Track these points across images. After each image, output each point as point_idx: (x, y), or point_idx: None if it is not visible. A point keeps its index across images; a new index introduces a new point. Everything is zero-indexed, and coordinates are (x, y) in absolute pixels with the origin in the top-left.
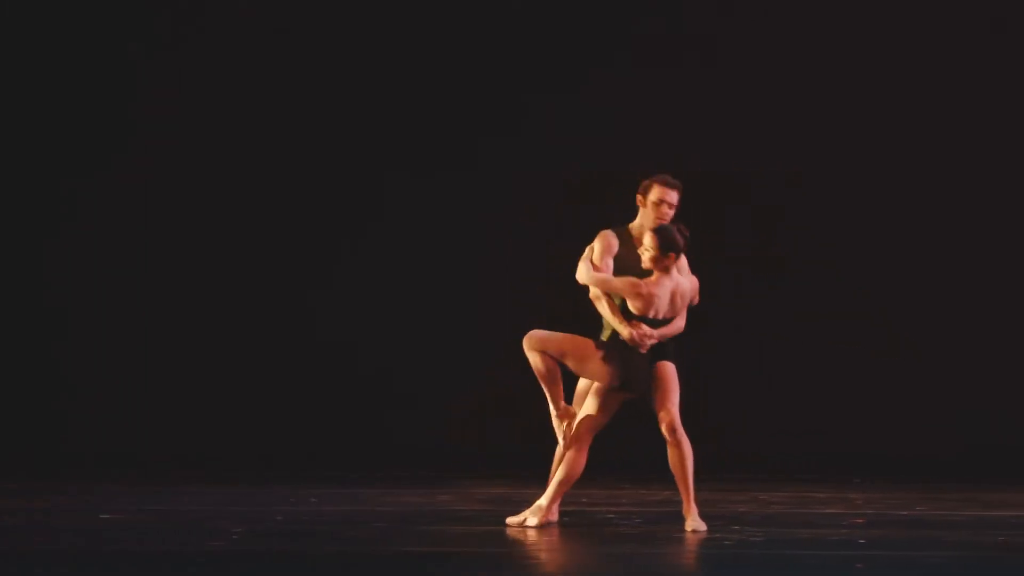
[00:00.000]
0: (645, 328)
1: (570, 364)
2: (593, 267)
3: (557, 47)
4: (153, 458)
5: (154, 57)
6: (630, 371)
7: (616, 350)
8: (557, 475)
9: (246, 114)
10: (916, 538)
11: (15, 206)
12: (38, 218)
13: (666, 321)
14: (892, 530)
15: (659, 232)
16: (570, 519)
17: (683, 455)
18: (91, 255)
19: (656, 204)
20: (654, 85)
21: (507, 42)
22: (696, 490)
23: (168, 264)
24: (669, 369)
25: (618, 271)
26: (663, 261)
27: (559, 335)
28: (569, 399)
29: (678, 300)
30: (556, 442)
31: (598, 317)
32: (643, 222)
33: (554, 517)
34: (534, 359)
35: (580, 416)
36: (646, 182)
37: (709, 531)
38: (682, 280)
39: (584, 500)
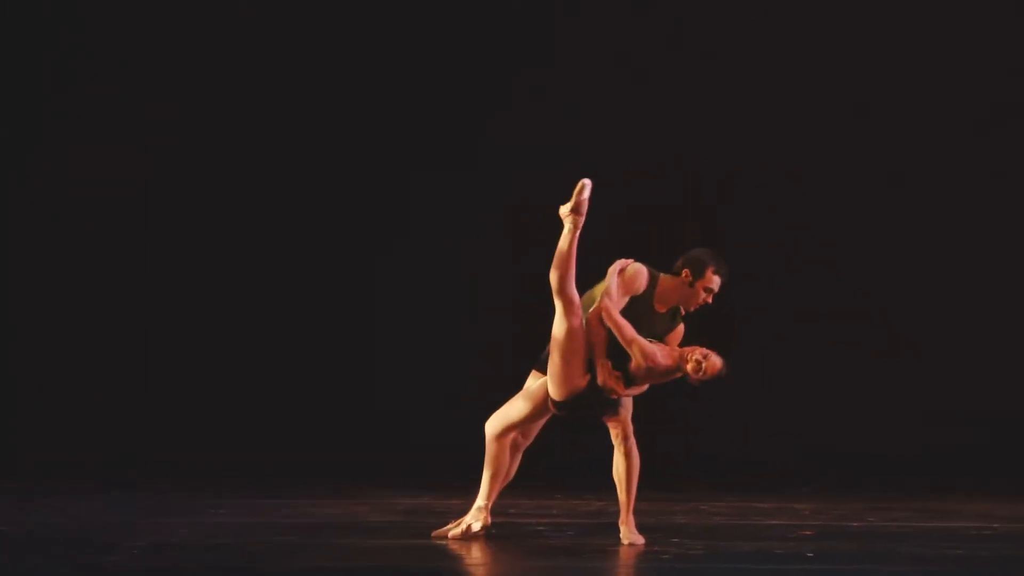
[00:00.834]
0: (623, 388)
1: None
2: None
3: (550, 48)
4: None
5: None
6: (580, 407)
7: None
8: (485, 472)
9: (245, 113)
10: (866, 551)
11: None
12: None
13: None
14: (841, 542)
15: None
16: (497, 531)
17: (631, 465)
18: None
19: (704, 290)
20: (656, 84)
21: (501, 41)
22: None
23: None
24: None
25: (624, 312)
26: (684, 369)
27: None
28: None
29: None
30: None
31: None
32: (680, 297)
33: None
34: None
35: (509, 410)
36: (700, 260)
37: (646, 543)
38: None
39: (512, 511)
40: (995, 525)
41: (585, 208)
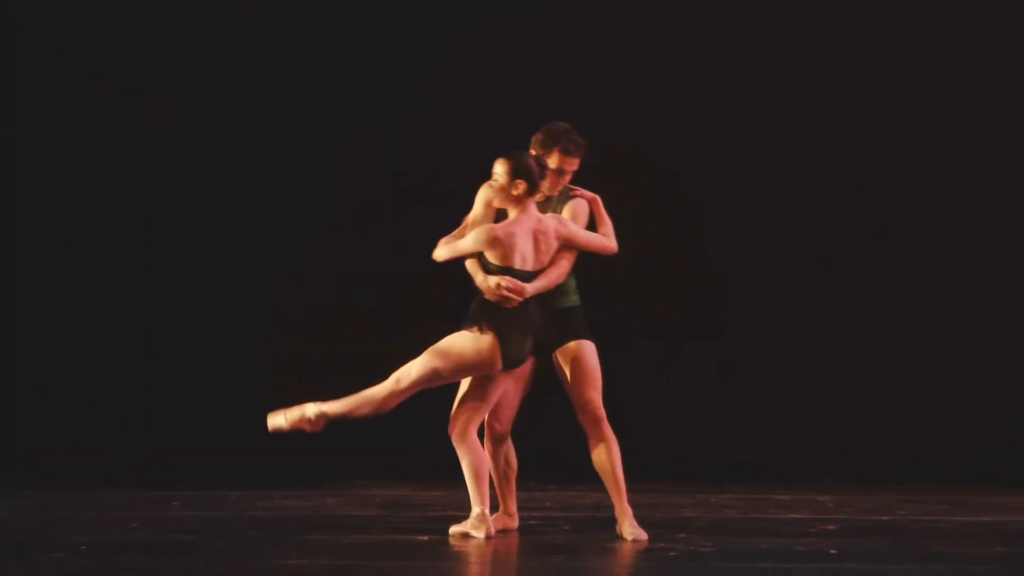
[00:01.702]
0: (510, 280)
1: (447, 373)
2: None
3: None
4: None
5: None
6: (506, 343)
7: (486, 320)
8: (467, 478)
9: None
10: (898, 548)
11: None
12: None
13: (536, 273)
14: (869, 539)
15: (509, 157)
16: None
17: (610, 451)
18: None
19: (554, 172)
20: (654, 80)
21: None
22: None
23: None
24: (586, 349)
25: None
26: (513, 192)
27: (420, 359)
28: None
29: (543, 244)
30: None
31: None
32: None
33: (513, 522)
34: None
35: (458, 407)
36: (544, 140)
37: (651, 539)
38: (546, 219)
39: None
40: None
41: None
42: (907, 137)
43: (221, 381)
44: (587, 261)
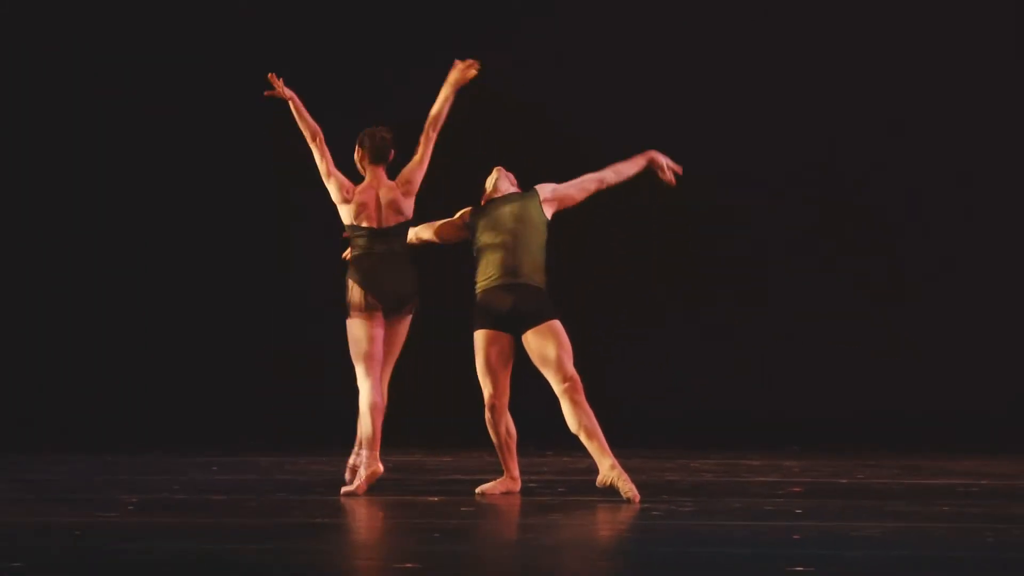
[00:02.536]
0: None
1: (356, 350)
2: None
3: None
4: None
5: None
6: (369, 284)
7: (349, 275)
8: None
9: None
10: (855, 507)
11: None
12: None
13: (385, 231)
14: (830, 499)
15: (363, 132)
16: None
17: (591, 416)
18: None
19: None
20: (651, 80)
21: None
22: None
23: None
24: (560, 326)
25: None
26: (361, 163)
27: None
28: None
29: (383, 208)
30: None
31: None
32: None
33: (516, 485)
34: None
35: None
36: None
37: (638, 501)
38: (386, 187)
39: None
40: (982, 481)
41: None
42: (908, 136)
43: (254, 363)
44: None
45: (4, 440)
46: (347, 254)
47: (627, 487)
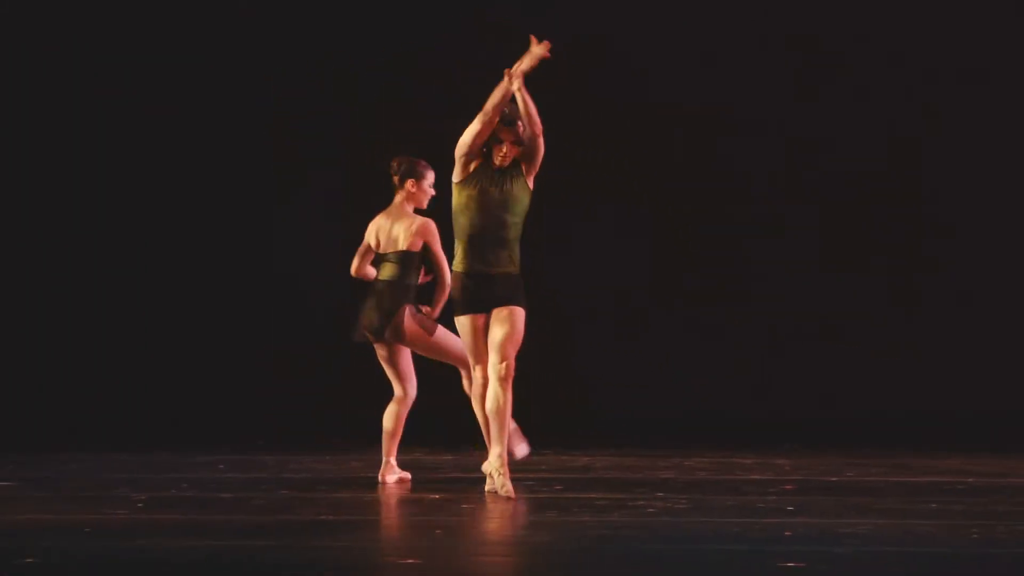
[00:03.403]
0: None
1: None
2: None
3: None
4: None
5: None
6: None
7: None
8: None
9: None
10: (845, 504)
11: None
12: None
13: (387, 256)
14: (821, 497)
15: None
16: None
17: (508, 401)
18: None
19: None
20: (647, 83)
21: None
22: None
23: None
24: (522, 315)
25: None
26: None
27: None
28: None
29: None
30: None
31: None
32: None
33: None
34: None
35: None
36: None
37: (632, 498)
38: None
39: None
40: (969, 480)
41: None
42: (908, 137)
43: (254, 363)
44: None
45: (13, 440)
46: None
47: (504, 483)
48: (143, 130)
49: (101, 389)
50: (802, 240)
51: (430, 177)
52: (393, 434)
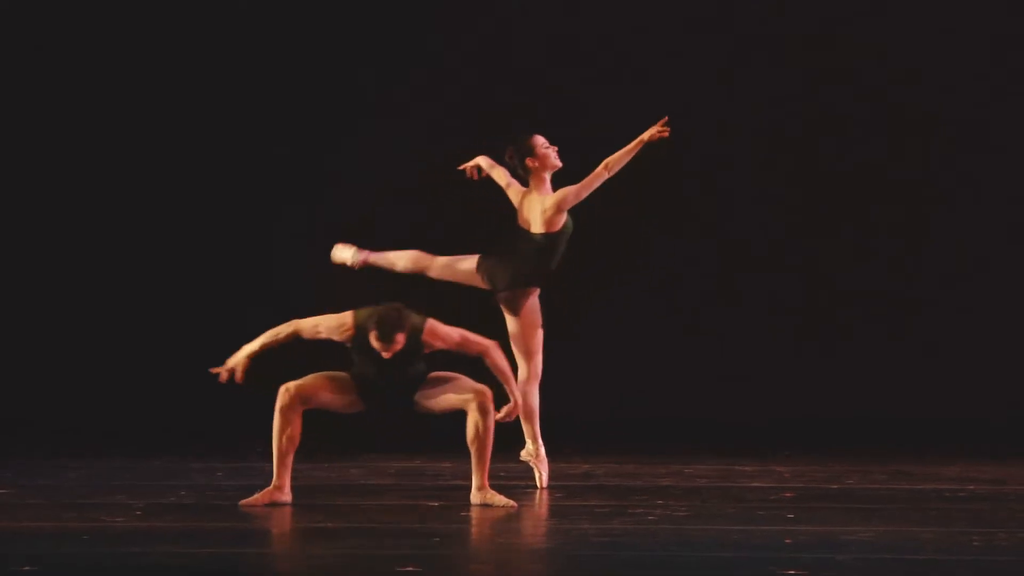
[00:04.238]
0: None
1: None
2: None
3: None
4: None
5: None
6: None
7: None
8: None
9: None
10: (846, 512)
11: None
12: None
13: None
14: (821, 504)
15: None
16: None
17: (489, 426)
18: None
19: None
20: (642, 81)
21: None
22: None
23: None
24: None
25: None
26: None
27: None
28: None
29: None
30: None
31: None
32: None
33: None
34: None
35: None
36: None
37: (633, 505)
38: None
39: (503, 474)
40: (969, 487)
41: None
42: (908, 135)
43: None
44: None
45: (11, 447)
46: None
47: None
48: (141, 130)
49: (99, 396)
50: (803, 244)
51: (537, 141)
52: (528, 415)
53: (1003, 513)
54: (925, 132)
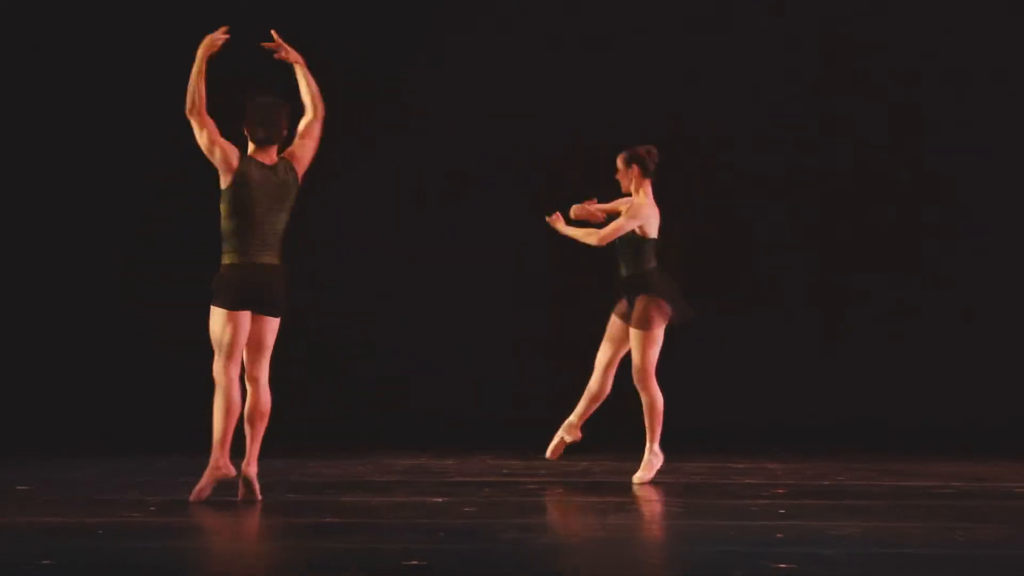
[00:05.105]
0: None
1: None
2: None
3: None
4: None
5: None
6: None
7: None
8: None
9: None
10: (836, 507)
11: None
12: None
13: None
14: (811, 500)
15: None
16: (491, 489)
17: (266, 401)
18: None
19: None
20: (637, 80)
21: None
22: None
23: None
24: (269, 324)
25: None
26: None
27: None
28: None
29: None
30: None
31: None
32: None
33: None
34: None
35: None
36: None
37: (631, 501)
38: None
39: (505, 471)
40: (955, 484)
41: None
42: (909, 136)
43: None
44: None
45: (29, 444)
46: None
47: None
48: (137, 129)
49: (115, 394)
50: (802, 247)
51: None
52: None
53: (986, 509)
54: (925, 132)
